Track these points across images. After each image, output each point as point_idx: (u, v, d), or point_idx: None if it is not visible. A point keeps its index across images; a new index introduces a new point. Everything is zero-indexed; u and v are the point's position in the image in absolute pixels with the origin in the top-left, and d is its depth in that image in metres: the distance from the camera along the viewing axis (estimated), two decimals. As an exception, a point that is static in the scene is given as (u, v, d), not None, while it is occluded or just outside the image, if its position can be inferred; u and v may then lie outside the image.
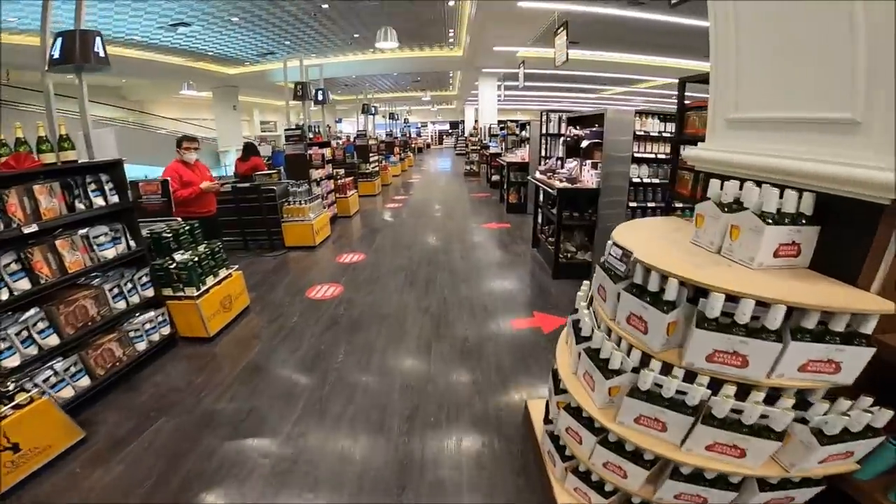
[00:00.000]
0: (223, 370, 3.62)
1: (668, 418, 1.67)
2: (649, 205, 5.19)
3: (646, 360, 1.75)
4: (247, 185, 6.46)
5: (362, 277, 5.56)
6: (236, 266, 4.63)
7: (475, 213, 9.67)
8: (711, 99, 2.08)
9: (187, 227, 4.09)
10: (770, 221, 1.55)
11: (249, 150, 7.49)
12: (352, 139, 13.61)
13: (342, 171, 9.14)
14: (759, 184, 1.70)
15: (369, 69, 16.77)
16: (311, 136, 7.70)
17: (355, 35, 12.58)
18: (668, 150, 5.10)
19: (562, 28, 7.09)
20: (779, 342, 1.43)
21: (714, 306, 1.47)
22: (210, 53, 13.85)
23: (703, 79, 2.57)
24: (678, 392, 1.63)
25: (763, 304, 1.43)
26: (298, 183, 6.87)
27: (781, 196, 1.57)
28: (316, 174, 7.47)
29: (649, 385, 1.69)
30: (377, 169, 12.79)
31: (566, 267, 5.36)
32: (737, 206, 1.70)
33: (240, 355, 3.84)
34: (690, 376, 1.62)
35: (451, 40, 13.42)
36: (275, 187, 6.48)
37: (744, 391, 1.54)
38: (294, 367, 3.63)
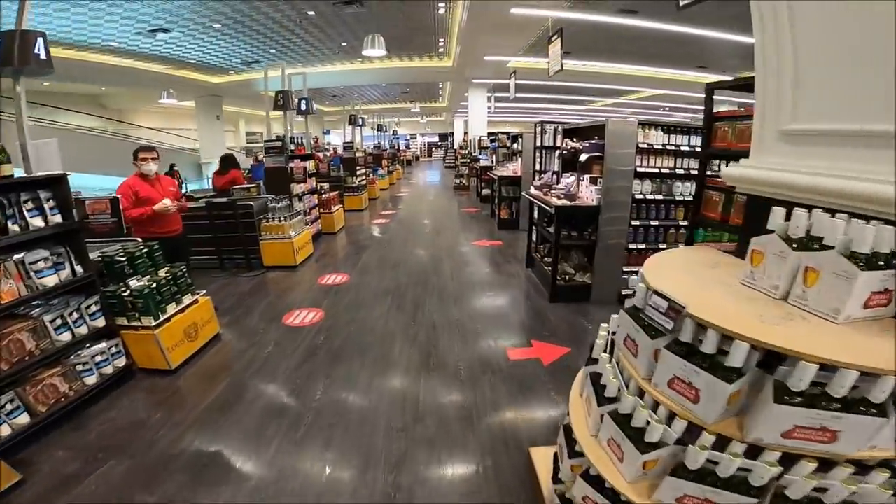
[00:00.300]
0: (185, 407, 3.21)
1: (724, 499, 1.31)
2: (652, 223, 4.85)
3: (693, 430, 1.37)
4: (222, 200, 6.01)
5: (345, 301, 5.13)
6: (203, 291, 4.20)
7: (465, 229, 9.30)
8: (758, 107, 1.72)
9: (145, 250, 3.65)
10: (864, 265, 1.19)
11: (228, 162, 7.05)
12: (338, 151, 13.25)
13: (327, 185, 8.72)
14: (831, 213, 1.35)
15: (357, 79, 16.46)
16: (292, 147, 7.27)
17: (343, 43, 12.24)
18: (672, 164, 4.77)
19: (556, 36, 6.80)
20: (882, 416, 1.10)
21: (803, 378, 1.11)
22: (192, 61, 13.42)
23: (733, 85, 2.24)
24: (739, 469, 1.27)
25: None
26: (278, 198, 6.43)
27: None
28: (298, 188, 7.04)
29: (700, 464, 1.31)
30: (364, 182, 12.38)
31: (564, 290, 5.00)
32: (809, 241, 1.34)
33: (205, 390, 3.42)
34: (753, 449, 1.26)
35: (440, 50, 13.14)
36: (252, 202, 6.03)
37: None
38: (266, 405, 3.22)
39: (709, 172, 2.42)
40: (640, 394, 1.58)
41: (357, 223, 10.08)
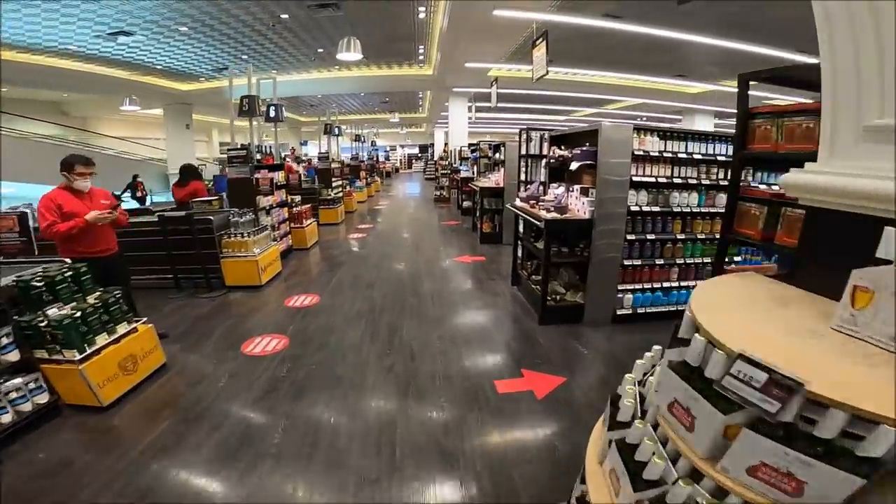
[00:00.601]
0: (118, 450, 2.73)
1: None
2: (648, 237, 4.48)
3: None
4: (177, 214, 5.43)
5: (314, 326, 4.60)
6: (144, 319, 3.65)
7: (446, 243, 8.85)
8: (828, 99, 1.33)
9: (69, 273, 3.10)
10: None
11: (188, 173, 6.44)
12: (313, 162, 12.73)
13: (298, 198, 8.16)
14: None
15: (335, 88, 16.00)
16: (259, 156, 6.71)
17: (319, 50, 11.76)
18: (668, 172, 4.43)
19: (541, 39, 6.46)
20: None
21: None
22: (159, 67, 12.75)
23: (772, 75, 1.85)
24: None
25: None
26: (242, 212, 5.87)
27: None
28: (265, 201, 6.49)
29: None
30: (340, 195, 11.83)
31: (554, 310, 4.58)
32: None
33: (143, 431, 2.93)
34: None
35: (420, 57, 12.79)
36: (212, 217, 5.47)
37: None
38: (214, 448, 2.74)
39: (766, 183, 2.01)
40: (693, 473, 1.15)
41: (332, 238, 9.53)
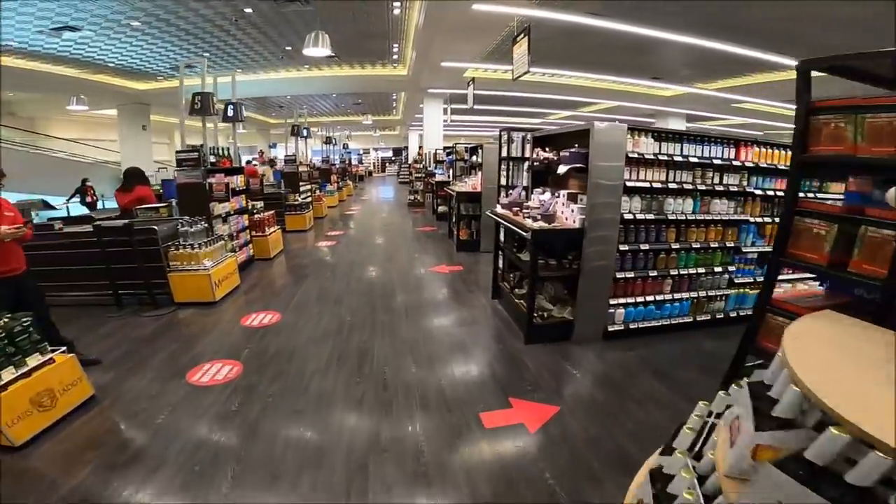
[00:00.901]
0: (31, 498, 2.30)
1: None
2: (642, 247, 4.13)
3: None
4: (117, 223, 4.79)
5: (272, 349, 4.06)
6: (62, 349, 3.09)
7: (422, 251, 8.38)
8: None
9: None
10: None
11: (134, 177, 5.74)
12: (277, 165, 12.08)
13: (261, 204, 7.55)
14: None
15: (305, 88, 15.34)
16: (213, 159, 6.09)
17: (287, 47, 11.14)
18: (664, 177, 4.10)
19: (523, 35, 6.09)
20: None
21: None
22: (111, 65, 11.89)
23: (834, 64, 1.46)
24: None
25: None
26: (193, 221, 5.25)
27: None
28: (220, 208, 5.88)
29: None
30: (309, 200, 11.18)
31: (541, 328, 4.17)
32: None
33: (60, 477, 2.46)
34: None
35: (395, 57, 12.31)
36: (155, 226, 4.85)
37: None
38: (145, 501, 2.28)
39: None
40: None
41: (298, 246, 8.92)
